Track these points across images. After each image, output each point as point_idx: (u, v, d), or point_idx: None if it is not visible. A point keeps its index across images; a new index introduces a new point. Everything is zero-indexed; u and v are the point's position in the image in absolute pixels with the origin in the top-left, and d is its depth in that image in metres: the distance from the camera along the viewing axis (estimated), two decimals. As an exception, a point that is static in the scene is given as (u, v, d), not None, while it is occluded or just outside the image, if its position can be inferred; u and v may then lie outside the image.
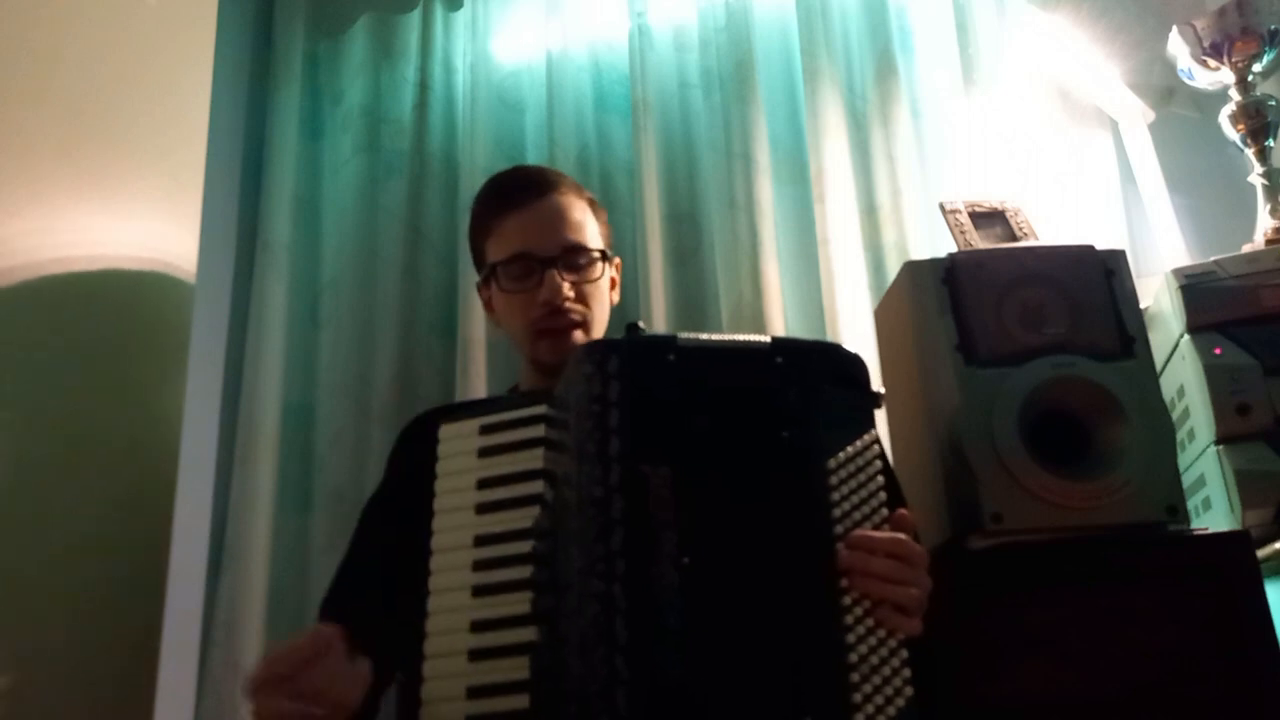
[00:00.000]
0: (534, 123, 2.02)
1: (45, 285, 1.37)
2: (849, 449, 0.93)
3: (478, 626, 0.91)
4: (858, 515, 0.92)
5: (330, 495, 1.79)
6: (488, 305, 1.32)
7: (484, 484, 0.97)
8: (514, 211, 1.25)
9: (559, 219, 1.24)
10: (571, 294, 1.22)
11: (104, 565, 1.37)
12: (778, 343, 0.96)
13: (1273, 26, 1.53)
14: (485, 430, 0.99)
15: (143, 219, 1.55)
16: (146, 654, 1.44)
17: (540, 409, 0.97)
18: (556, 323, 1.21)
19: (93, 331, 1.44)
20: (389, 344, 1.86)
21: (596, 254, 1.25)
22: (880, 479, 0.95)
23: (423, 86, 2.03)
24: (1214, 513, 1.28)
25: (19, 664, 1.25)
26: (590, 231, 1.27)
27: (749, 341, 0.96)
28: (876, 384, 0.99)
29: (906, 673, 0.88)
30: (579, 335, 1.22)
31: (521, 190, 1.26)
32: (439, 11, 2.10)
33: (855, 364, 0.99)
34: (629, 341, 0.95)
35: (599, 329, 1.26)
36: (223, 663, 1.68)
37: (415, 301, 1.90)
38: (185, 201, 1.65)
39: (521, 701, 0.87)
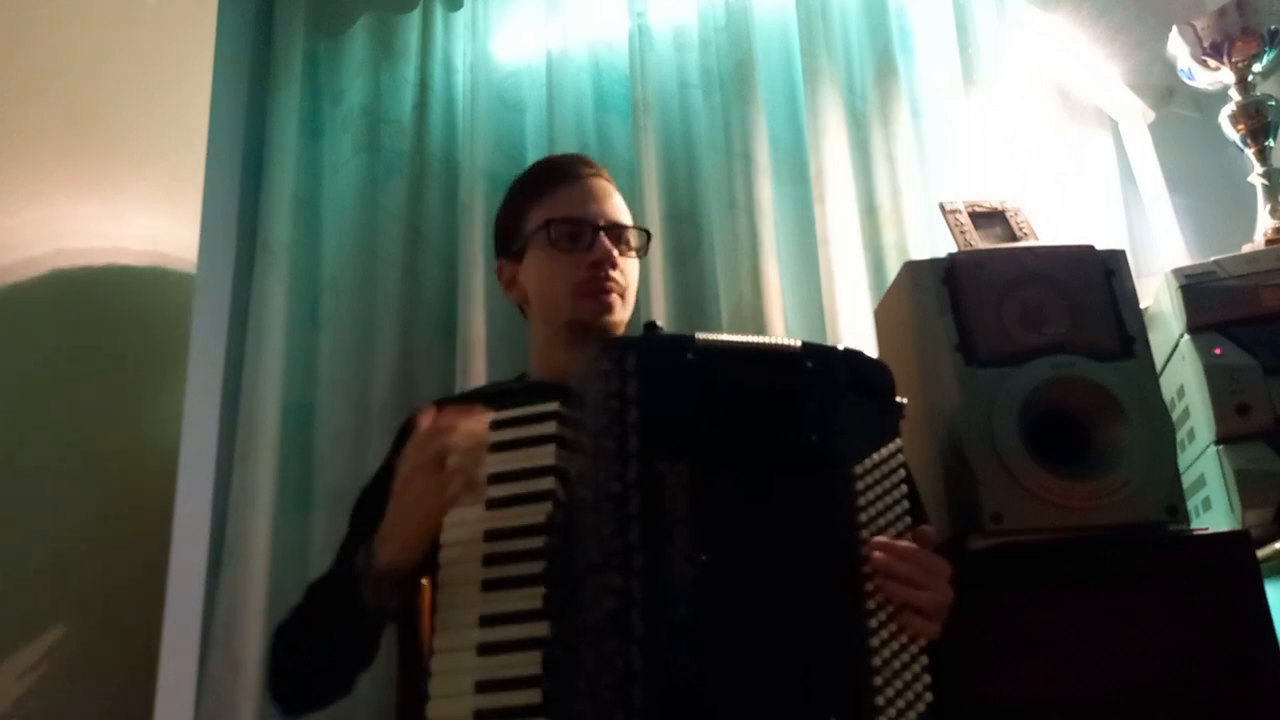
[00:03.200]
0: (534, 123, 2.02)
1: (46, 285, 1.37)
2: (874, 456, 0.94)
3: (487, 621, 0.91)
4: (882, 521, 0.93)
5: (330, 495, 1.79)
6: (510, 283, 1.35)
7: (494, 480, 0.96)
8: (572, 182, 1.32)
9: (607, 196, 1.33)
10: (618, 262, 1.28)
11: (104, 565, 1.37)
12: (809, 347, 0.97)
13: (1273, 26, 1.53)
14: (496, 426, 0.99)
15: (143, 218, 1.55)
16: (146, 654, 1.44)
17: (553, 406, 0.97)
18: (602, 284, 1.26)
19: (93, 331, 1.44)
20: (389, 344, 1.86)
21: (642, 231, 1.34)
22: (904, 488, 0.95)
23: (423, 86, 2.03)
24: (1214, 513, 1.28)
25: (19, 663, 1.25)
26: (629, 217, 1.34)
27: (778, 344, 0.97)
28: (900, 395, 0.99)
29: (927, 678, 0.89)
30: (616, 300, 1.27)
31: (578, 166, 1.35)
32: (439, 11, 2.10)
33: (883, 372, 1.00)
34: (647, 340, 0.96)
35: (630, 307, 1.31)
36: (223, 662, 1.68)
37: (415, 301, 1.90)
38: (185, 201, 1.65)
39: (533, 696, 0.87)
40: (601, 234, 1.27)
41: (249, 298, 1.92)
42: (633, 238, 1.32)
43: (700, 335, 0.95)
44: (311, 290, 1.98)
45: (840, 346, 1.00)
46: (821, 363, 0.96)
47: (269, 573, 1.76)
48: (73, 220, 1.43)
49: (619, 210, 1.32)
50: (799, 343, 0.97)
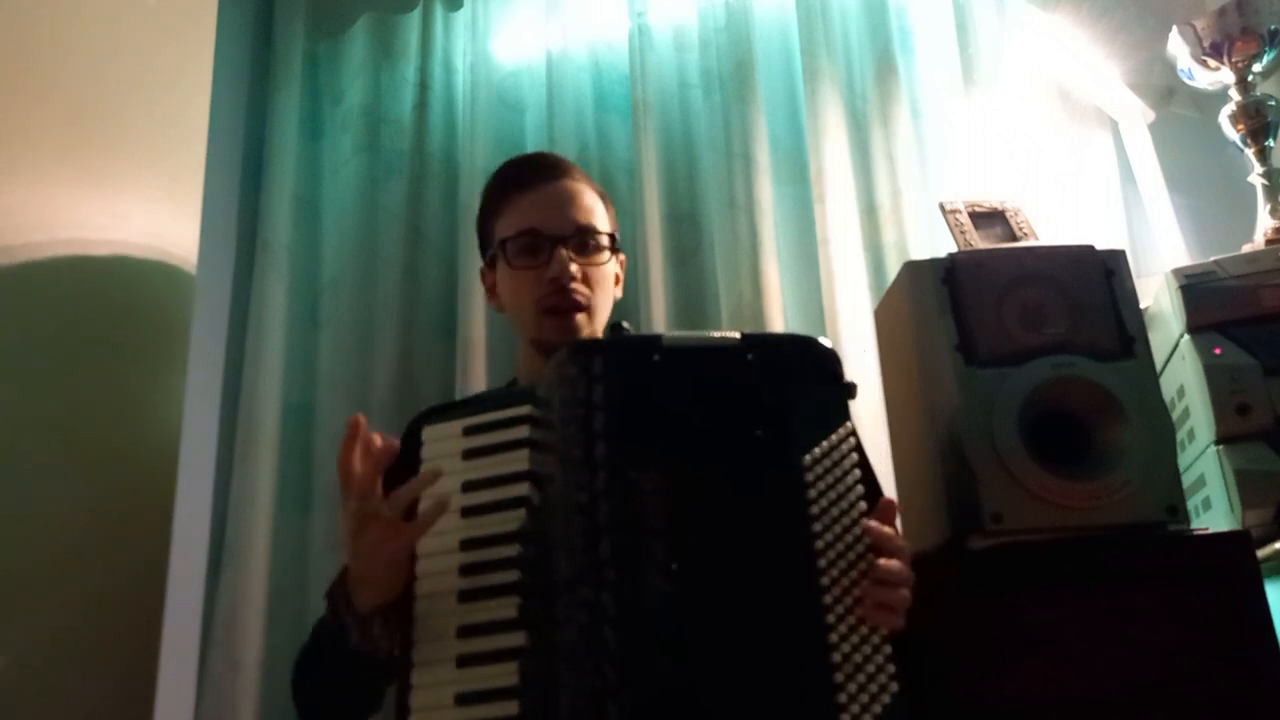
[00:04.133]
0: (534, 123, 2.02)
1: (46, 285, 1.37)
2: (824, 444, 0.93)
3: (464, 632, 0.90)
4: (835, 511, 0.91)
5: (330, 495, 1.79)
6: (491, 291, 1.33)
7: (469, 487, 0.95)
8: (527, 191, 1.26)
9: (571, 201, 1.26)
10: (578, 275, 1.23)
11: (104, 565, 1.37)
12: (748, 339, 0.95)
13: (1273, 26, 1.53)
14: (469, 432, 0.98)
15: (143, 218, 1.55)
16: (146, 654, 1.44)
17: (524, 409, 0.96)
18: (562, 301, 1.22)
19: (93, 332, 1.44)
20: (389, 344, 1.86)
21: (606, 238, 1.27)
22: (857, 473, 0.94)
23: (423, 86, 2.03)
24: (1214, 513, 1.28)
25: (19, 663, 1.25)
26: (600, 218, 1.28)
27: (722, 338, 0.96)
28: (851, 375, 0.98)
29: (890, 669, 0.88)
30: (582, 318, 1.23)
31: (535, 172, 1.29)
32: (439, 11, 2.10)
33: (826, 356, 0.98)
34: (613, 343, 0.95)
35: (602, 317, 1.26)
36: (223, 662, 1.68)
37: (415, 301, 1.90)
38: (185, 201, 1.66)
39: (511, 708, 0.86)
40: (560, 247, 1.22)
41: (249, 298, 1.92)
42: (601, 240, 1.26)
43: (667, 335, 0.94)
44: (311, 290, 1.98)
45: (784, 334, 0.99)
46: (764, 354, 0.94)
47: (269, 573, 1.76)
48: (73, 220, 1.43)
49: (583, 213, 1.25)
50: (739, 335, 0.96)
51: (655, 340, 0.93)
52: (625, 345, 0.95)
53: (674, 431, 0.90)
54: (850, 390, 0.97)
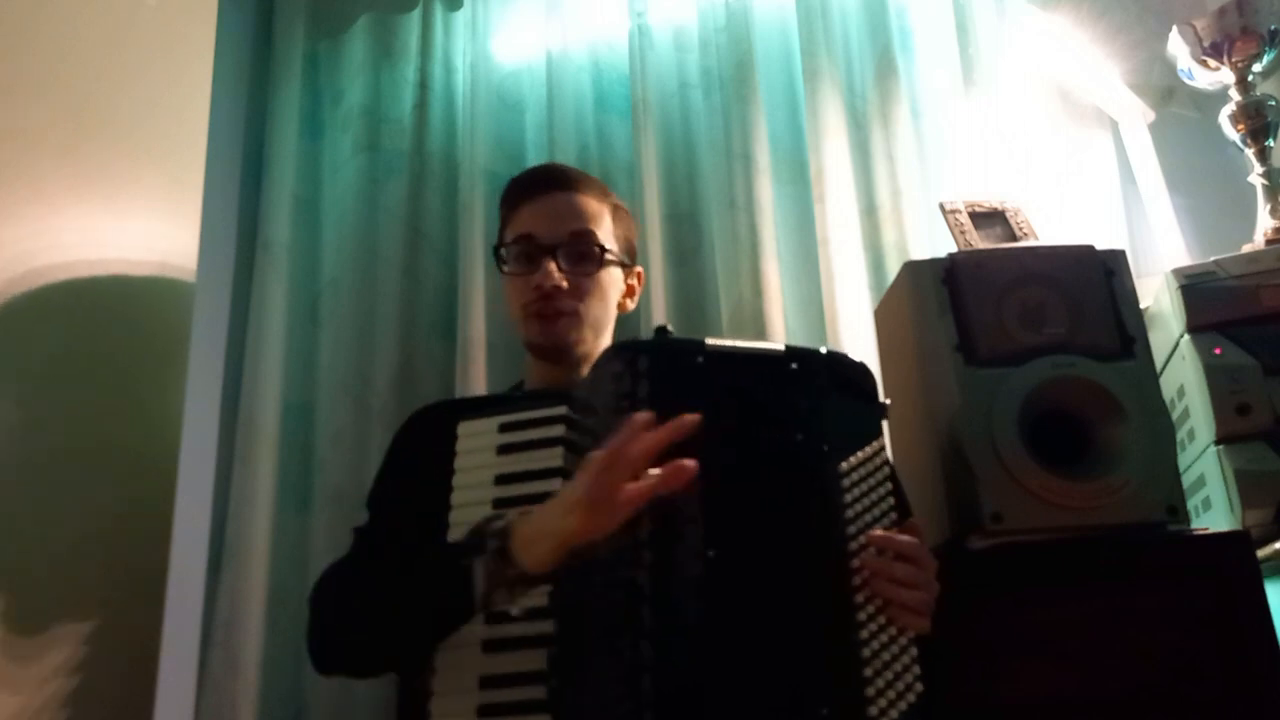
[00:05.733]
0: (534, 123, 2.02)
1: (46, 285, 1.37)
2: (859, 454, 0.96)
3: (492, 619, 0.93)
4: (869, 518, 0.95)
5: (330, 495, 1.79)
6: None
7: (501, 480, 0.99)
8: (528, 201, 1.30)
9: (567, 211, 1.28)
10: (565, 284, 1.25)
11: (104, 565, 1.37)
12: (791, 350, 0.99)
13: (1273, 26, 1.53)
14: (504, 428, 1.02)
15: (143, 219, 1.55)
16: (146, 654, 1.44)
17: (560, 409, 1.00)
18: (545, 308, 1.25)
19: (93, 331, 1.44)
20: (389, 344, 1.86)
21: (598, 247, 1.28)
22: (889, 484, 0.97)
23: (423, 86, 2.03)
24: (1214, 513, 1.28)
25: (20, 663, 1.25)
26: (602, 228, 1.30)
27: (767, 348, 1.00)
28: (883, 395, 1.02)
29: (917, 669, 0.91)
30: (566, 324, 1.25)
31: (539, 182, 1.32)
32: (439, 11, 2.10)
33: (863, 374, 1.02)
34: (658, 343, 0.98)
35: (597, 326, 1.28)
36: (223, 662, 1.68)
37: (415, 301, 1.90)
38: (185, 201, 1.65)
39: (536, 692, 0.88)
40: (548, 256, 1.25)
41: (249, 298, 1.92)
42: (594, 250, 1.27)
43: (710, 340, 0.97)
44: (311, 290, 1.98)
45: (823, 349, 1.03)
46: (807, 365, 0.98)
47: (269, 573, 1.76)
48: (73, 221, 1.43)
49: (578, 222, 1.28)
50: (784, 346, 1.00)
51: (699, 344, 0.96)
52: (670, 346, 0.98)
53: (715, 428, 0.91)
54: (884, 410, 1.01)
